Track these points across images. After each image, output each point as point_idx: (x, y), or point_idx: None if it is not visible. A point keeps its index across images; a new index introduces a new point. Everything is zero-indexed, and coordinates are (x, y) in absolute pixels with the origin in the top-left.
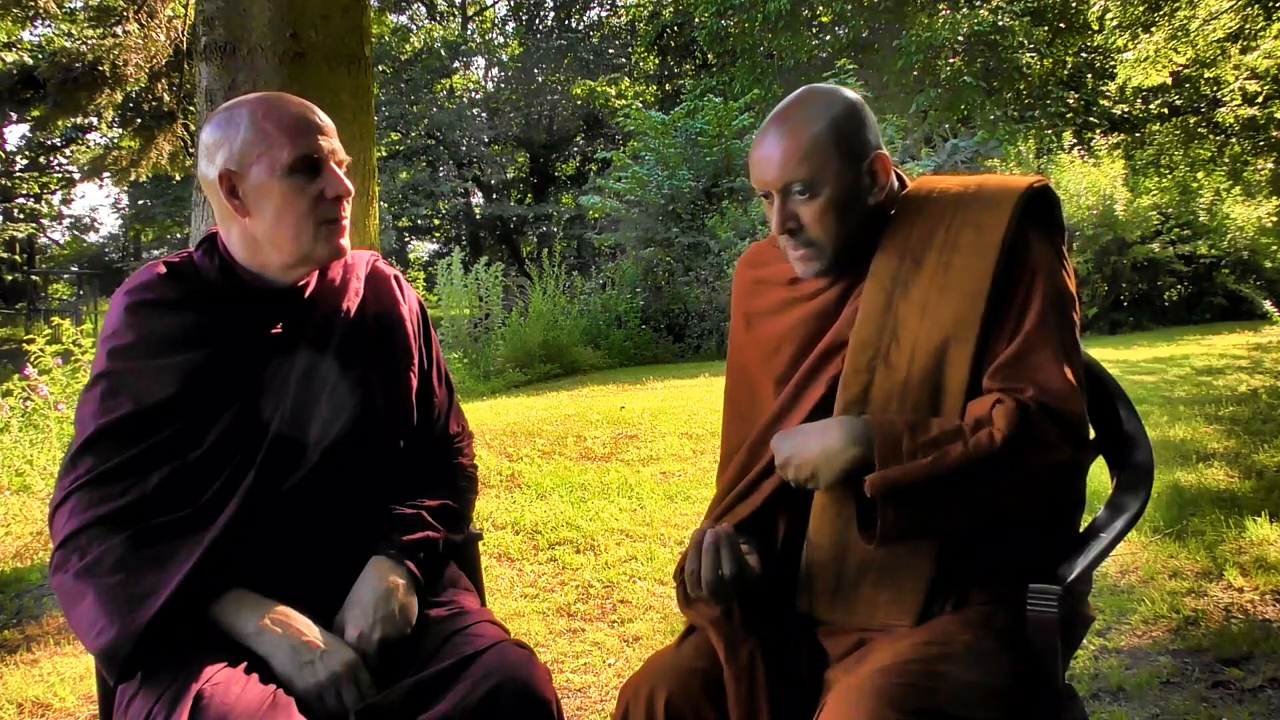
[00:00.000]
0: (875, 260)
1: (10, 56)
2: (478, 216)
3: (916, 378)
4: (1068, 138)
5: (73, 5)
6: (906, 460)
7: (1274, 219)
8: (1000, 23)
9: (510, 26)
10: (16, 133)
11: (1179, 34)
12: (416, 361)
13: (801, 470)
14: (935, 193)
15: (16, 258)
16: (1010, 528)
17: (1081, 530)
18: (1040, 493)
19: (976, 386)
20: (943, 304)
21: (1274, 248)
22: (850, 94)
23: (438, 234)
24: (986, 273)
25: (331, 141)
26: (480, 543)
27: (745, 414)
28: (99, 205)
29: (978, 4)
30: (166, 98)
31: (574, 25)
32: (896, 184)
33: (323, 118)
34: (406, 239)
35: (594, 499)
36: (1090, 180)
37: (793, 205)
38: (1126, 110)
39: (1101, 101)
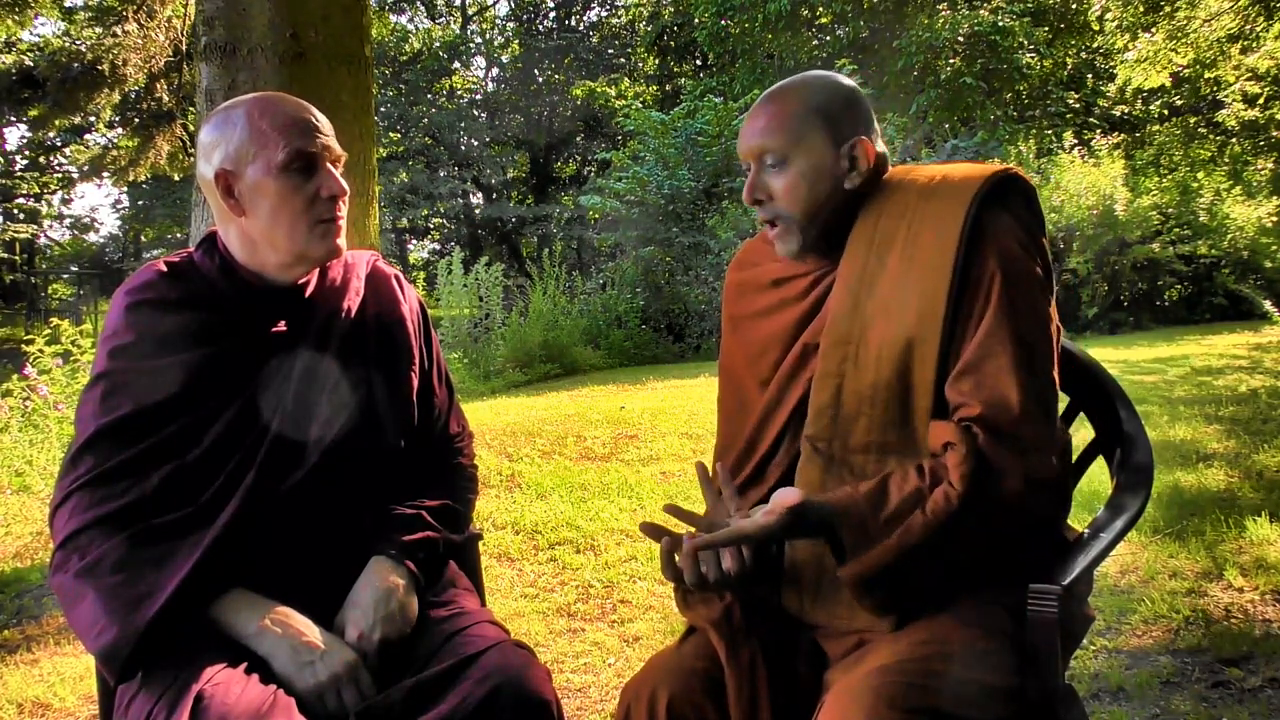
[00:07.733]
0: (843, 259)
1: (10, 57)
2: (477, 217)
3: (885, 379)
4: (1068, 138)
5: (72, 4)
6: (875, 539)
7: (1274, 219)
8: (1000, 23)
9: (510, 26)
10: (16, 133)
11: (1179, 34)
12: (417, 361)
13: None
14: (904, 184)
15: (16, 258)
16: (991, 549)
17: (1082, 531)
18: (1009, 519)
19: (944, 385)
20: (906, 303)
21: (1274, 248)
22: (846, 81)
23: (437, 235)
24: (946, 269)
25: (327, 140)
26: (480, 543)
27: (733, 417)
28: (99, 205)
29: (978, 4)
30: (166, 98)
31: (574, 25)
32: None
33: (318, 116)
34: (406, 239)
35: (594, 499)
36: (1090, 180)
37: (764, 176)
38: (1127, 110)
39: (1101, 102)
